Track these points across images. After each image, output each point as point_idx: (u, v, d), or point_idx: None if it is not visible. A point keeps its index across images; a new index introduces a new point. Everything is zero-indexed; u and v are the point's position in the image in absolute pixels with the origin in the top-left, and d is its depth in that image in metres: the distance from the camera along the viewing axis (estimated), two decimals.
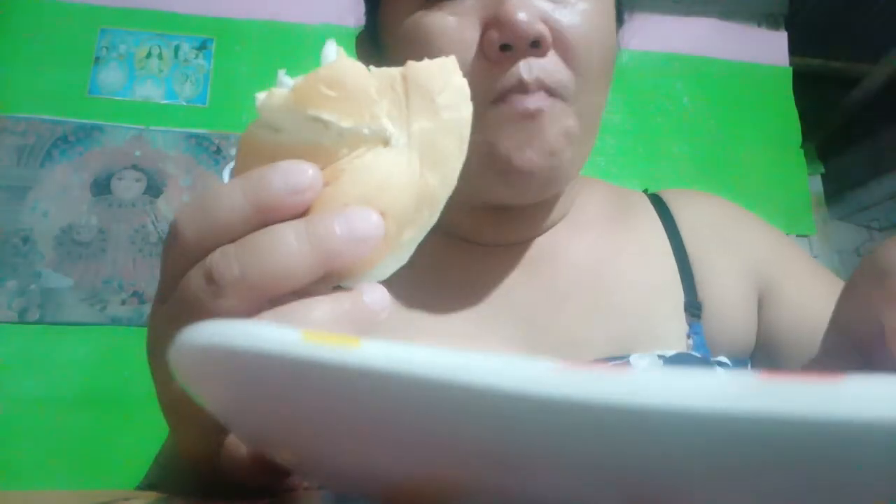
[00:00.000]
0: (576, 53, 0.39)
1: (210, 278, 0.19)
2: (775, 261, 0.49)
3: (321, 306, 0.19)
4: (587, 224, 0.49)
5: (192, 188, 1.72)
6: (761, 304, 0.47)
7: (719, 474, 0.12)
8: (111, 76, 1.77)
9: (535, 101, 0.37)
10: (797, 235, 1.99)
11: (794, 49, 2.13)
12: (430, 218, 0.21)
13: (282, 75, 0.21)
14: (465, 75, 0.38)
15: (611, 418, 0.11)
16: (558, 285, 0.45)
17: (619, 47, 0.48)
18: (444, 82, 0.21)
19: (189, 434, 0.24)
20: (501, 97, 0.38)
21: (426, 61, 0.21)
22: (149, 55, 1.81)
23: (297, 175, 0.19)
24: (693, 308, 0.45)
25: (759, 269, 0.48)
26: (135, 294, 1.61)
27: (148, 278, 1.62)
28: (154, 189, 1.70)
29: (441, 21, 0.38)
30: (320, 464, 0.19)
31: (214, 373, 0.16)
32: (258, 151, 0.20)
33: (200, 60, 1.83)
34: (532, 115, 0.37)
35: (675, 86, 2.05)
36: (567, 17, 0.39)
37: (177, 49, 1.83)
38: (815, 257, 2.02)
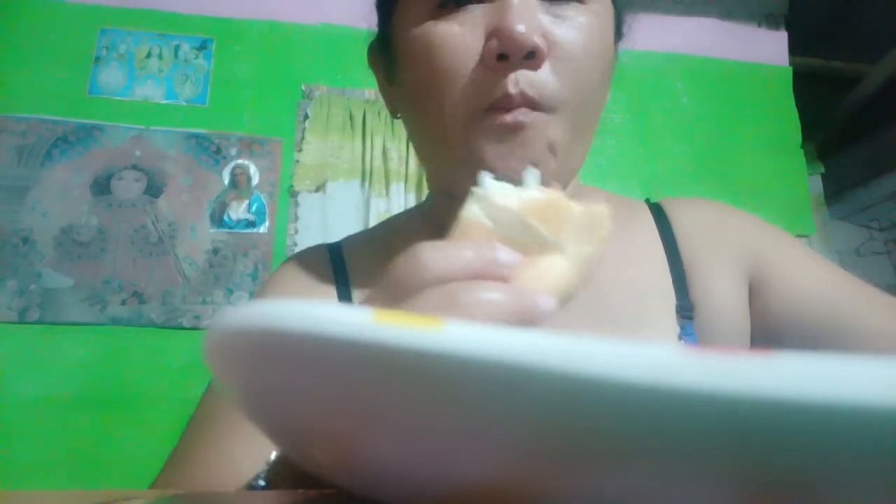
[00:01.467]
0: (570, 67, 0.40)
1: (448, 300, 0.25)
2: (766, 248, 0.49)
3: (497, 288, 0.25)
4: None
5: (192, 188, 1.72)
6: (753, 292, 0.48)
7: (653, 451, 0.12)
8: (111, 76, 1.77)
9: (514, 115, 0.40)
10: (797, 235, 1.99)
11: (794, 49, 2.13)
12: (565, 303, 0.30)
13: (484, 175, 0.30)
14: (462, 84, 0.40)
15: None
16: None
17: (617, 58, 0.50)
18: (605, 225, 0.30)
19: None
20: (489, 108, 0.40)
21: (602, 208, 0.30)
22: (149, 55, 1.81)
23: (512, 256, 0.27)
24: (685, 310, 0.46)
25: (750, 259, 0.48)
26: (135, 294, 1.61)
27: (147, 278, 1.62)
28: (154, 189, 1.70)
29: (448, 30, 0.41)
30: (364, 466, 0.18)
31: (261, 359, 0.14)
32: (476, 230, 0.29)
33: (200, 60, 1.83)
34: (512, 128, 0.40)
35: (675, 86, 2.05)
36: (565, 32, 0.40)
37: (177, 49, 1.83)
38: None
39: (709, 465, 0.12)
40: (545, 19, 0.40)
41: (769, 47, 2.14)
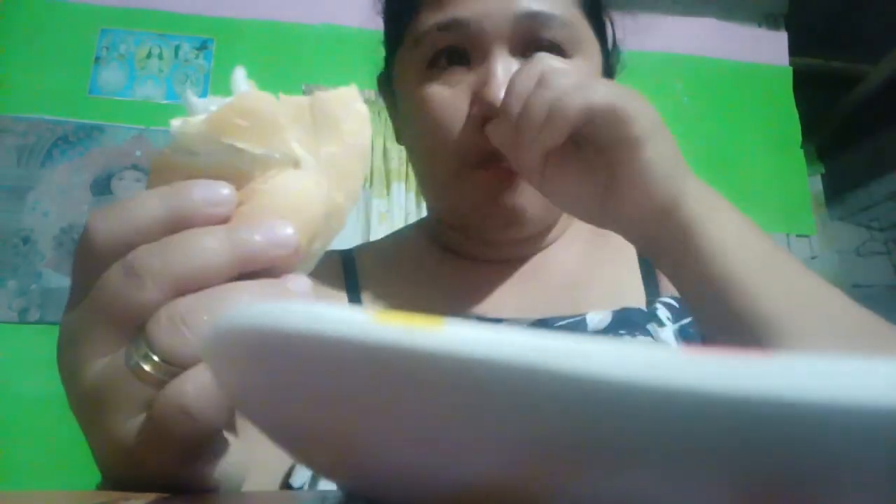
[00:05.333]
0: None
1: (132, 272, 0.20)
2: None
3: (248, 289, 0.20)
4: (575, 238, 0.54)
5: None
6: None
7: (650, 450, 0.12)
8: (111, 76, 1.77)
9: (504, 169, 0.42)
10: (797, 235, 1.99)
11: (794, 49, 2.13)
12: (337, 228, 0.24)
13: (190, 96, 0.24)
14: (455, 140, 0.43)
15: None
16: (545, 297, 0.49)
17: (619, 66, 0.53)
18: (348, 110, 0.24)
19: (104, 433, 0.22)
20: (483, 163, 0.43)
21: (330, 91, 0.24)
22: (149, 55, 1.81)
23: (215, 189, 0.21)
24: (652, 305, 0.49)
25: None
26: None
27: None
28: None
29: (439, 93, 0.44)
30: (364, 467, 0.18)
31: (260, 359, 0.14)
32: (173, 173, 0.22)
33: (200, 60, 1.83)
34: (505, 178, 0.43)
35: (675, 86, 2.05)
36: None
37: (177, 49, 1.83)
38: (814, 257, 2.03)
39: (708, 466, 0.12)
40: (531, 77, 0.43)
41: (769, 47, 2.14)
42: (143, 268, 0.20)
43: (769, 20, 2.17)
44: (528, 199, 0.44)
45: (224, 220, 0.21)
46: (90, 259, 0.21)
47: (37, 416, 1.45)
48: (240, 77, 0.25)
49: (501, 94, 0.39)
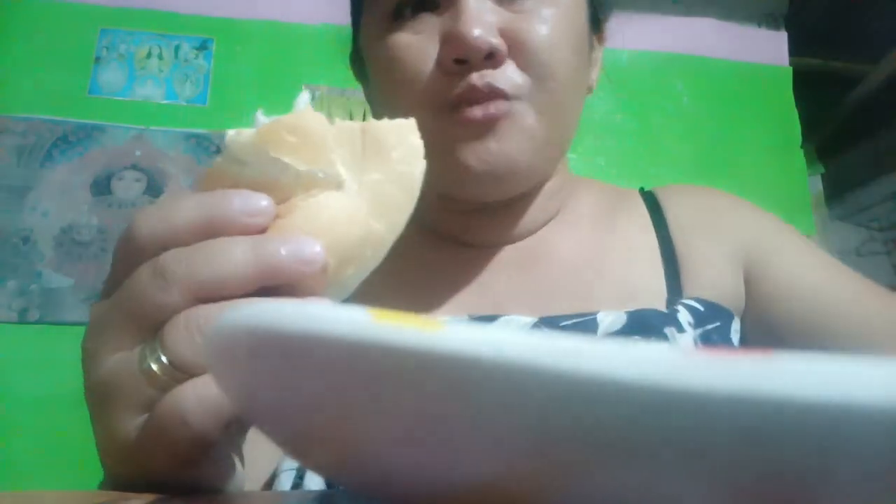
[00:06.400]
0: (535, 61, 0.40)
1: (159, 274, 0.20)
2: (763, 237, 0.49)
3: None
4: (576, 223, 0.50)
5: (193, 188, 1.72)
6: (749, 281, 0.47)
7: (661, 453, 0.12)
8: (111, 76, 1.77)
9: (485, 108, 0.39)
10: None
11: (794, 49, 2.13)
12: (374, 259, 0.23)
13: (259, 115, 0.24)
14: (423, 87, 0.40)
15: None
16: (546, 285, 0.46)
17: (592, 47, 0.49)
18: (400, 140, 0.23)
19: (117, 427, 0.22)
20: (455, 106, 0.40)
21: (385, 120, 0.24)
22: (149, 55, 1.81)
23: (254, 200, 0.21)
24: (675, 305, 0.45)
25: (746, 248, 0.48)
26: None
27: None
28: (154, 189, 1.70)
29: (404, 39, 0.41)
30: (364, 466, 0.18)
31: (260, 360, 0.14)
32: (221, 181, 0.22)
33: (200, 60, 1.83)
34: (485, 123, 0.39)
35: (675, 86, 2.05)
36: (525, 26, 0.40)
37: (177, 49, 1.83)
38: None
39: (709, 466, 0.12)
40: (505, 17, 0.40)
41: (769, 47, 2.14)
42: (170, 271, 0.20)
43: (769, 20, 2.17)
44: (511, 142, 0.40)
45: (260, 232, 0.21)
46: (128, 253, 0.22)
47: (36, 416, 1.45)
48: (303, 99, 0.25)
49: (475, 31, 0.37)
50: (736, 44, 2.12)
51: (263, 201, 0.21)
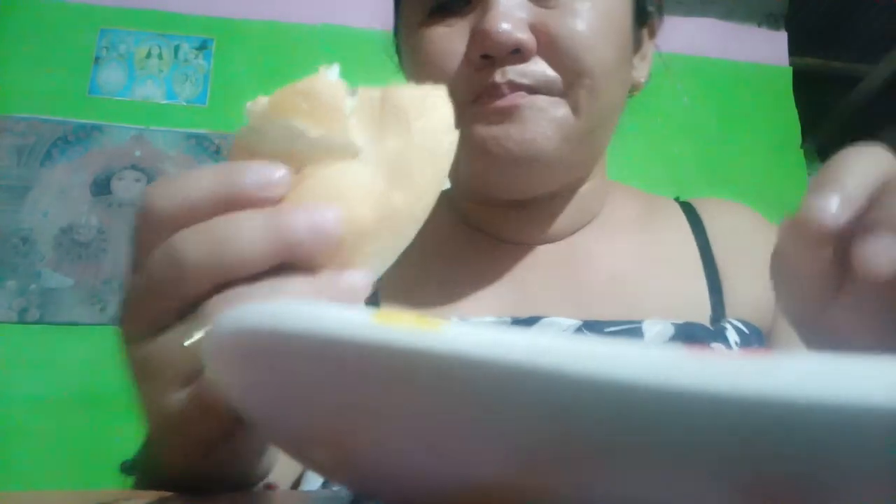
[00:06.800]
0: (567, 57, 0.40)
1: (174, 261, 0.20)
2: None
3: (297, 280, 0.20)
4: (616, 230, 0.49)
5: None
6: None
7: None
8: (111, 76, 1.77)
9: (509, 99, 0.39)
10: None
11: (794, 49, 2.13)
12: (398, 236, 0.22)
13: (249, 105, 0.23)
14: (450, 81, 0.39)
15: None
16: (585, 288, 0.45)
17: (639, 41, 0.48)
18: (424, 109, 0.22)
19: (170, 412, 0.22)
20: (476, 99, 0.40)
21: (409, 86, 0.23)
22: (149, 55, 1.81)
23: (268, 171, 0.20)
24: (718, 321, 0.44)
25: None
26: None
27: None
28: None
29: (436, 33, 0.41)
30: (364, 467, 0.18)
31: (258, 360, 0.14)
32: (241, 152, 0.22)
33: (200, 60, 1.83)
34: (507, 111, 0.39)
35: (675, 86, 2.05)
36: (559, 21, 0.39)
37: (177, 49, 1.83)
38: None
39: (709, 466, 0.12)
40: (537, 12, 0.40)
41: (769, 47, 2.14)
42: (184, 259, 0.20)
43: (769, 20, 2.17)
44: (534, 129, 0.39)
45: (276, 202, 0.21)
46: (145, 229, 0.21)
47: (36, 416, 1.45)
48: (332, 71, 0.22)
49: (501, 26, 0.36)
50: (736, 44, 2.12)
51: (278, 172, 0.20)
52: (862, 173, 0.22)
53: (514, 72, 0.39)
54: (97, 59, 1.77)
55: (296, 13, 1.89)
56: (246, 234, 0.19)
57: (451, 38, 0.41)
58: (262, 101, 0.21)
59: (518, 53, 0.39)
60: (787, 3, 2.12)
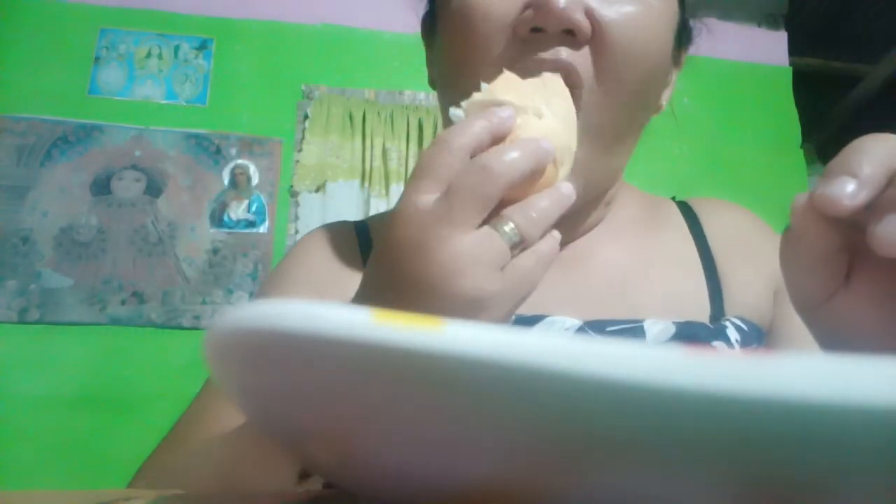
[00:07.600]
0: (615, 55, 0.37)
1: (487, 170, 0.27)
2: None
3: (545, 196, 0.28)
4: (620, 230, 0.49)
5: (192, 188, 1.72)
6: (775, 299, 0.47)
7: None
8: (111, 76, 1.77)
9: (554, 52, 0.36)
10: None
11: (794, 49, 2.13)
12: (569, 166, 0.32)
13: (454, 110, 0.32)
14: (493, 50, 0.38)
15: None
16: (589, 288, 0.45)
17: (679, 63, 0.47)
18: (563, 88, 0.33)
19: None
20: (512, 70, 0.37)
21: (556, 76, 0.34)
22: (149, 55, 1.81)
23: (506, 111, 0.29)
24: (717, 321, 0.44)
25: (777, 282, 0.47)
26: (134, 294, 1.61)
27: (147, 278, 1.62)
28: (154, 189, 1.70)
29: None
30: (366, 466, 0.18)
31: (261, 360, 0.14)
32: None
33: (200, 60, 1.83)
34: (551, 63, 0.36)
35: (676, 86, 2.05)
36: (615, 15, 0.37)
37: (177, 49, 1.83)
38: None
39: (709, 465, 0.12)
40: (593, 1, 0.37)
41: (769, 47, 2.14)
42: (494, 169, 0.27)
43: (769, 20, 2.17)
44: (590, 114, 0.37)
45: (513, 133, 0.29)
46: (447, 158, 0.28)
47: (36, 416, 1.45)
48: (456, 115, 0.32)
49: (563, 1, 0.34)
50: (736, 44, 2.12)
51: (510, 109, 0.29)
52: (878, 158, 0.23)
53: (567, 53, 0.36)
54: (97, 59, 1.77)
55: (296, 13, 1.89)
56: (515, 149, 0.28)
57: (500, 3, 0.37)
58: (464, 104, 0.31)
59: (570, 36, 0.36)
60: (787, 3, 2.13)
